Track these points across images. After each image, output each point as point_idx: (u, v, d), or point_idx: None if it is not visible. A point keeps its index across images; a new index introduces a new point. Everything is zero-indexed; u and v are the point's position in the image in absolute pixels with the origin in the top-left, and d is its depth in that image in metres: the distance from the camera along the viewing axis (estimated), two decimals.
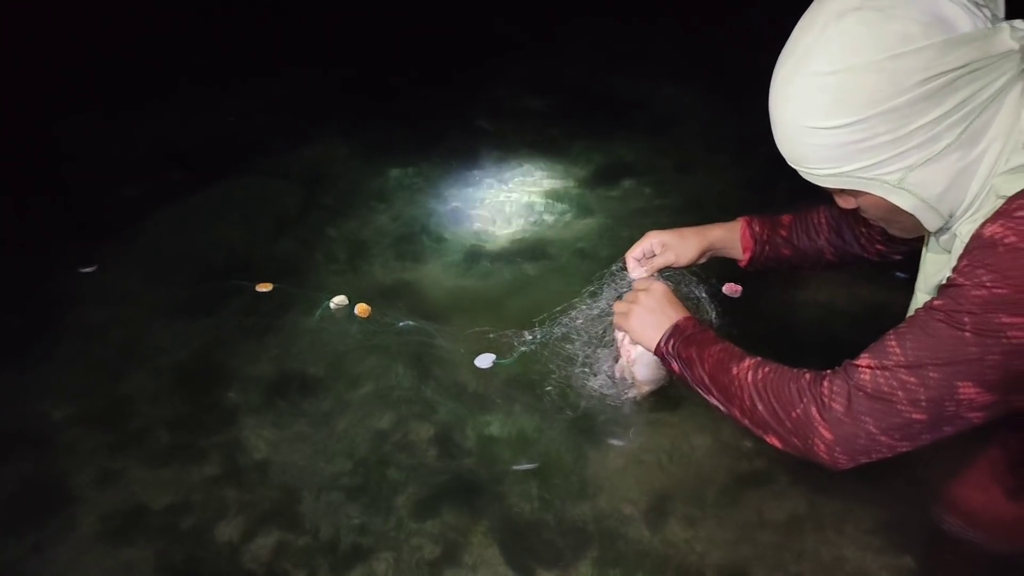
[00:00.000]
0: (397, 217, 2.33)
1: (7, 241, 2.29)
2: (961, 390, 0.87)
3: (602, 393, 1.57)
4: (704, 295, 1.57)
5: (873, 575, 1.26)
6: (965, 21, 0.83)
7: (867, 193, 0.92)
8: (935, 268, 1.02)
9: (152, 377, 1.76)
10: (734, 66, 1.94)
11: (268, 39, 3.66)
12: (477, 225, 2.27)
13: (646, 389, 1.50)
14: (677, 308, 1.29)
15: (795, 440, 1.02)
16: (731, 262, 1.48)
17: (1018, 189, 0.84)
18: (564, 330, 1.68)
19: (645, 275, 1.43)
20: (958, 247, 0.91)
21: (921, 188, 0.89)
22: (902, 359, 0.91)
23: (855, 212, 1.03)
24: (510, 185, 2.47)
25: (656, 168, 2.53)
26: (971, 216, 0.90)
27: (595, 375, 1.60)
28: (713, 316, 1.55)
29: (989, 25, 0.84)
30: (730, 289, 1.82)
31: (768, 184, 1.99)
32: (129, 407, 1.68)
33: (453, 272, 2.08)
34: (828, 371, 1.00)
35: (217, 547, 1.38)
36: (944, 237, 0.98)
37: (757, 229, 1.42)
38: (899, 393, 0.90)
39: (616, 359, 1.53)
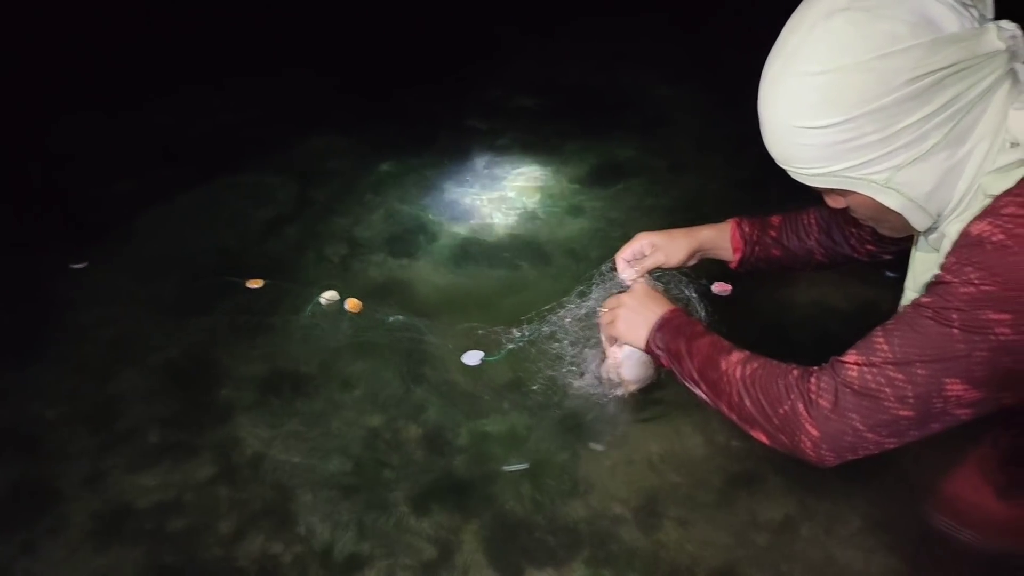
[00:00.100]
0: (390, 215, 2.32)
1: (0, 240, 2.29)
2: (948, 387, 0.88)
3: (590, 392, 1.57)
4: (694, 295, 1.57)
5: (864, 575, 1.27)
6: (952, 21, 0.83)
7: (856, 193, 0.93)
8: (924, 267, 1.03)
9: (144, 375, 1.75)
10: (727, 66, 1.94)
11: (262, 38, 3.65)
12: (470, 224, 2.27)
13: (633, 388, 1.50)
14: (660, 303, 1.30)
15: (782, 437, 1.02)
16: (720, 262, 1.48)
17: (1006, 188, 0.85)
18: (552, 329, 1.68)
19: (635, 276, 1.43)
20: (947, 246, 0.91)
21: (909, 187, 0.89)
22: (890, 356, 0.91)
23: (845, 212, 1.04)
24: (503, 184, 2.47)
25: (649, 168, 2.53)
26: (959, 215, 0.91)
27: (582, 375, 1.60)
28: (703, 316, 1.55)
29: (976, 25, 0.84)
30: (719, 288, 1.83)
31: (761, 184, 1.98)
32: (120, 406, 1.68)
33: (445, 270, 2.08)
34: (816, 367, 1.01)
35: (209, 547, 1.37)
36: (933, 236, 0.98)
37: (747, 230, 1.43)
38: (886, 390, 0.91)
39: (603, 360, 1.53)
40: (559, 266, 2.08)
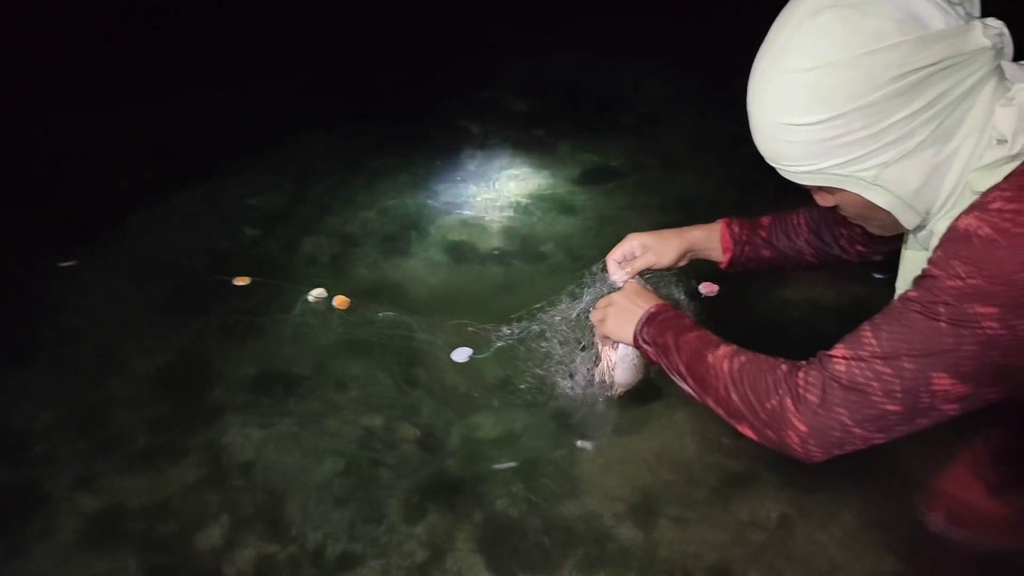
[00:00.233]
0: (382, 215, 2.32)
1: None
2: (936, 381, 0.88)
3: (582, 392, 1.57)
4: (682, 296, 1.57)
5: (858, 574, 1.27)
6: (938, 18, 0.83)
7: (844, 191, 0.93)
8: (914, 266, 1.03)
9: (134, 377, 1.74)
10: (720, 65, 1.94)
11: (254, 39, 3.65)
12: (462, 224, 2.27)
13: (620, 390, 1.50)
14: (648, 298, 1.30)
15: (769, 432, 1.02)
16: (709, 262, 1.48)
17: (993, 184, 0.85)
18: (543, 327, 1.68)
19: (626, 278, 1.43)
20: (935, 244, 0.92)
21: (896, 184, 0.89)
22: (877, 350, 0.91)
23: (835, 213, 1.04)
24: (495, 184, 2.47)
25: (642, 167, 2.54)
26: (947, 213, 0.91)
27: (572, 375, 1.59)
28: (691, 316, 1.55)
29: (962, 22, 0.84)
30: (707, 288, 1.83)
31: (754, 184, 2.00)
32: (110, 408, 1.67)
33: (437, 269, 2.08)
34: (804, 362, 1.01)
35: (199, 551, 1.36)
36: (922, 234, 0.99)
37: (737, 230, 1.43)
38: (874, 384, 0.91)
39: (596, 362, 1.52)
40: (551, 264, 2.08)
